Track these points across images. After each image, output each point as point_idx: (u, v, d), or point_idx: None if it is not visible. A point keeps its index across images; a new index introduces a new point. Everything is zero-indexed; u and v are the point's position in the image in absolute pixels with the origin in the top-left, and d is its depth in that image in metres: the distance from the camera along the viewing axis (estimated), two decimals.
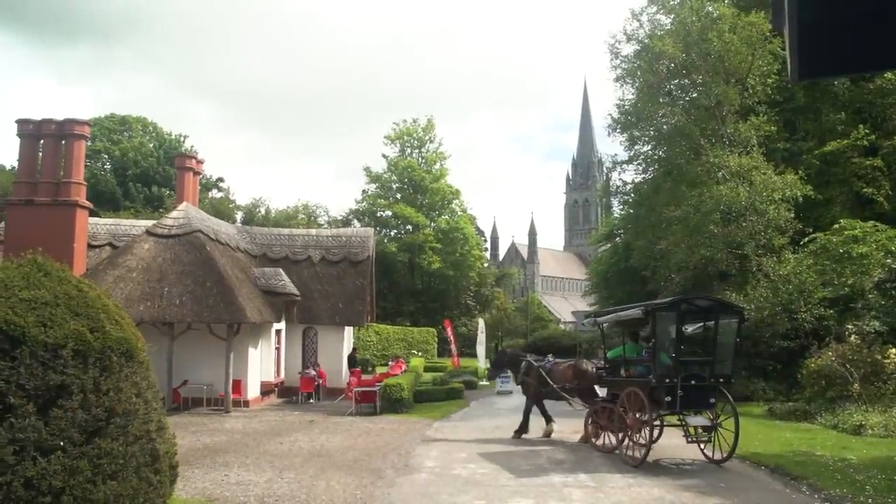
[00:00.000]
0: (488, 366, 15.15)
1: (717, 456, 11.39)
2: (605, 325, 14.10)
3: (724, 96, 23.87)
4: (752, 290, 21.21)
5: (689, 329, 11.96)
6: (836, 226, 20.67)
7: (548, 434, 14.16)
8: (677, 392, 11.00)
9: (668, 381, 11.11)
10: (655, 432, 11.55)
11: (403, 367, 26.98)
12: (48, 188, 19.02)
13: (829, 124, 25.79)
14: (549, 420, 14.35)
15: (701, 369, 11.60)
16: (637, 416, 11.49)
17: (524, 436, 14.12)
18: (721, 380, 11.60)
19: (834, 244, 20.05)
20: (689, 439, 11.71)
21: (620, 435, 12.08)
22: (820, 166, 25.05)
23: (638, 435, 11.53)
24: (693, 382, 11.22)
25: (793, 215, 22.39)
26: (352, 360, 25.79)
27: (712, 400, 11.66)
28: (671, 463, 11.67)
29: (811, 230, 21.85)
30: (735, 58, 23.95)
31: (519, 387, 16.03)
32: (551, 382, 13.83)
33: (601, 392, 13.60)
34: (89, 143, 36.41)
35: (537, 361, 14.79)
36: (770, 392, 19.23)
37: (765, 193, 22.03)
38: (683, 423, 11.72)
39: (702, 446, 11.68)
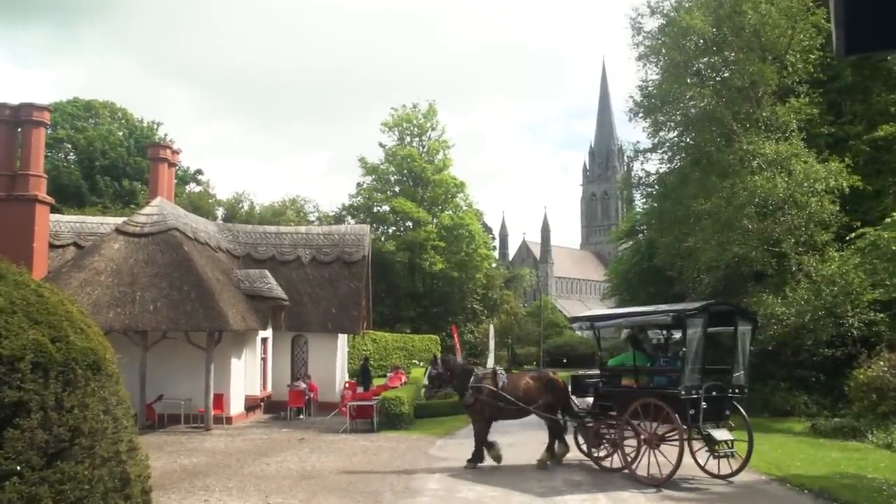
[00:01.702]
0: (425, 381, 14.63)
1: (724, 472, 11.59)
2: (601, 330, 14.02)
3: (759, 76, 23.76)
4: (791, 293, 21.14)
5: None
6: (889, 220, 20.50)
7: (498, 459, 13.16)
8: (701, 404, 11.19)
9: (694, 392, 11.25)
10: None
11: (403, 378, 27.01)
12: (3, 181, 19.08)
13: (880, 105, 25.66)
14: (491, 446, 13.21)
15: (719, 379, 11.86)
16: (657, 430, 11.53)
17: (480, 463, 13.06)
18: (737, 391, 11.90)
19: (886, 240, 19.93)
20: (715, 455, 11.72)
21: (630, 453, 12.04)
22: (870, 153, 24.94)
23: (655, 452, 11.52)
24: (714, 393, 11.50)
25: (838, 208, 22.29)
26: (365, 371, 25.98)
27: (727, 412, 12.01)
28: (696, 482, 11.64)
29: (859, 225, 21.68)
30: (772, 32, 23.84)
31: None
32: (517, 401, 12.99)
33: (580, 404, 13.41)
34: (50, 131, 36.62)
35: (486, 374, 13.83)
36: (813, 406, 19.21)
37: (806, 184, 21.94)
38: (707, 436, 11.66)
39: (702, 462, 11.88)
